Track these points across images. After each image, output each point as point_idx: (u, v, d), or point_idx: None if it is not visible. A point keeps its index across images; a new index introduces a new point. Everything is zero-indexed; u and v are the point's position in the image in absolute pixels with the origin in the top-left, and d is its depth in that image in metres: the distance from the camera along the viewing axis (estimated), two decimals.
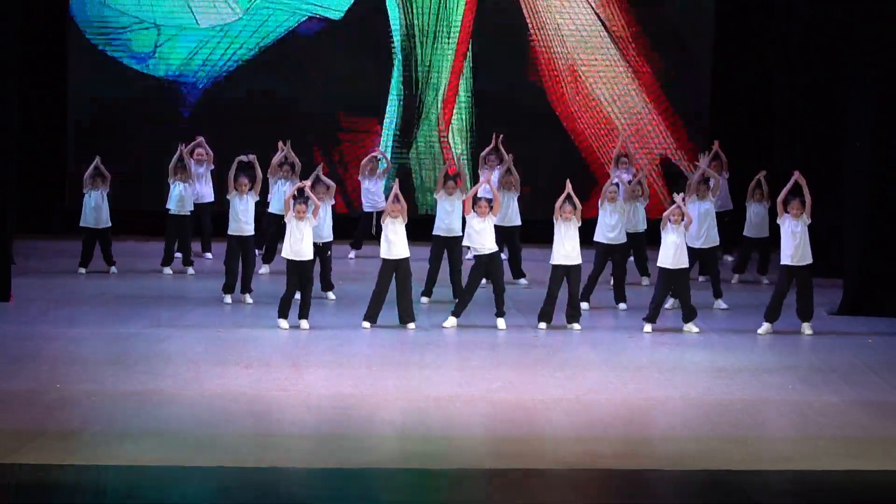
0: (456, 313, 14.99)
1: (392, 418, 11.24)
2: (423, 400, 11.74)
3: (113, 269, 17.74)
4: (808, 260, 14.91)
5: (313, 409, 11.38)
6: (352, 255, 19.23)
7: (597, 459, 10.09)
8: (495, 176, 17.72)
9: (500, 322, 14.89)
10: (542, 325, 14.92)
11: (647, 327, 14.81)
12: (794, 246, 14.83)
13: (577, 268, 14.96)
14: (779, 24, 19.66)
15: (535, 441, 10.59)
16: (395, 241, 14.64)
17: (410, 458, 10.06)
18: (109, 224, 17.65)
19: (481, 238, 14.89)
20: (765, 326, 14.94)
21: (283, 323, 14.53)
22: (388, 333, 14.58)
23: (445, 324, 14.86)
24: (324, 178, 16.11)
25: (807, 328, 14.99)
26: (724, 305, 16.38)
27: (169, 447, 10.05)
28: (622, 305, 16.24)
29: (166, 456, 9.84)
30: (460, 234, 15.94)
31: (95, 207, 17.56)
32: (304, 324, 14.54)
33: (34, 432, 10.27)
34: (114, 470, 9.50)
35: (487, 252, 14.93)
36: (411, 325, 14.68)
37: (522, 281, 17.56)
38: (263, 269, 17.62)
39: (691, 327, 14.91)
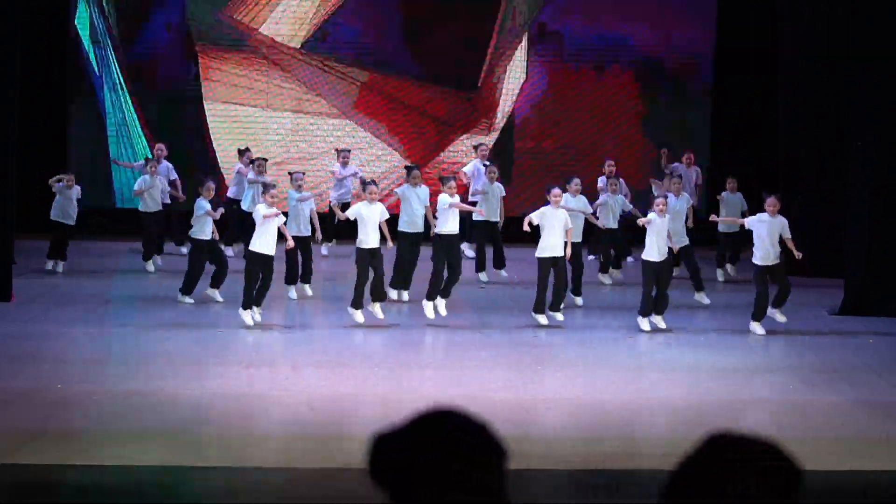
0: (430, 296, 14.90)
1: (392, 418, 11.18)
2: (423, 400, 11.68)
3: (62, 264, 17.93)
4: (778, 258, 14.84)
5: (313, 409, 11.37)
6: (325, 250, 19.24)
7: (597, 459, 10.09)
8: (478, 163, 18.23)
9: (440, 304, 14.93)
10: (540, 317, 14.86)
11: (645, 324, 14.73)
12: (771, 245, 14.73)
13: (563, 259, 14.86)
14: (782, 26, 19.66)
15: (535, 441, 10.59)
16: (371, 230, 14.56)
17: None
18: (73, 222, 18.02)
19: (448, 218, 14.88)
20: (760, 328, 14.89)
21: (250, 316, 14.51)
22: (388, 333, 14.58)
23: (427, 312, 14.83)
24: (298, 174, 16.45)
25: (778, 314, 14.95)
26: (706, 300, 16.40)
27: (169, 447, 10.05)
28: (579, 300, 16.19)
29: (166, 456, 9.84)
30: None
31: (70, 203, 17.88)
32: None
33: (34, 432, 10.27)
34: (114, 470, 9.50)
35: (452, 233, 14.95)
36: (378, 305, 14.64)
37: (503, 273, 17.72)
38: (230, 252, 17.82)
39: (660, 321, 14.83)
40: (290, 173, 16.82)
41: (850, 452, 10.40)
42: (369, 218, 14.54)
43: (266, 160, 18.70)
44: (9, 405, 11.07)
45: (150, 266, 18.06)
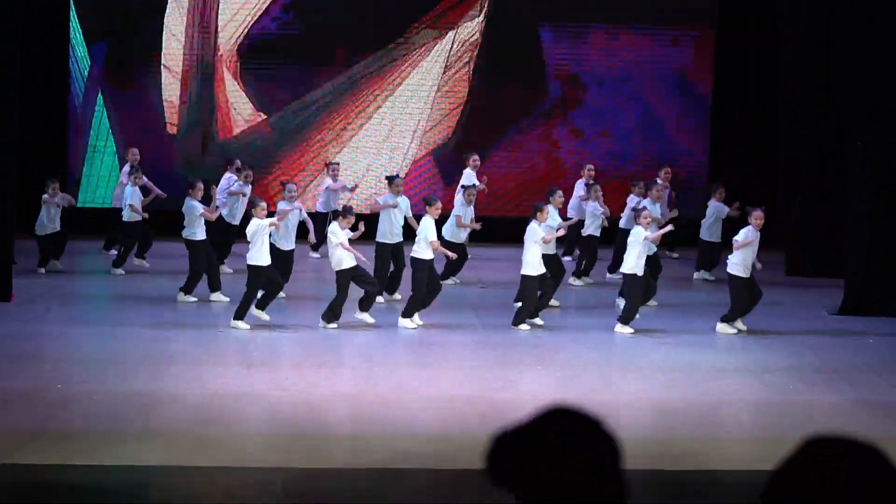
0: (408, 314, 14.88)
1: (392, 418, 11.24)
2: (422, 400, 11.74)
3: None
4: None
5: (313, 409, 11.38)
6: (316, 255, 19.24)
7: None
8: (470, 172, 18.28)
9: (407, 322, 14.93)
10: (523, 326, 14.87)
11: (627, 329, 14.73)
12: (752, 257, 14.74)
13: (546, 273, 14.95)
14: (782, 26, 19.65)
15: None
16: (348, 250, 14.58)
17: (410, 458, 10.06)
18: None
19: (427, 241, 14.91)
20: (731, 328, 14.87)
21: (243, 324, 14.56)
22: (387, 333, 14.59)
23: (406, 325, 14.82)
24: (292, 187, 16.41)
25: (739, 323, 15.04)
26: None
27: (169, 447, 10.06)
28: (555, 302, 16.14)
29: (166, 456, 9.84)
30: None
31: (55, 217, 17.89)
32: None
33: (35, 432, 10.27)
34: (114, 470, 9.51)
35: (431, 258, 14.96)
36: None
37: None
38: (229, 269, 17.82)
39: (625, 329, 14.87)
40: (283, 183, 16.79)
41: None
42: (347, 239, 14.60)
43: (251, 167, 18.77)
44: (9, 405, 11.08)
45: (120, 270, 17.96)
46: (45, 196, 17.84)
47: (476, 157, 19.34)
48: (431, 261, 15.02)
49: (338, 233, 14.53)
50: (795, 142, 19.09)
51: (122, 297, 16.35)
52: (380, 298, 16.05)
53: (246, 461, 9.83)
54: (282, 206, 15.93)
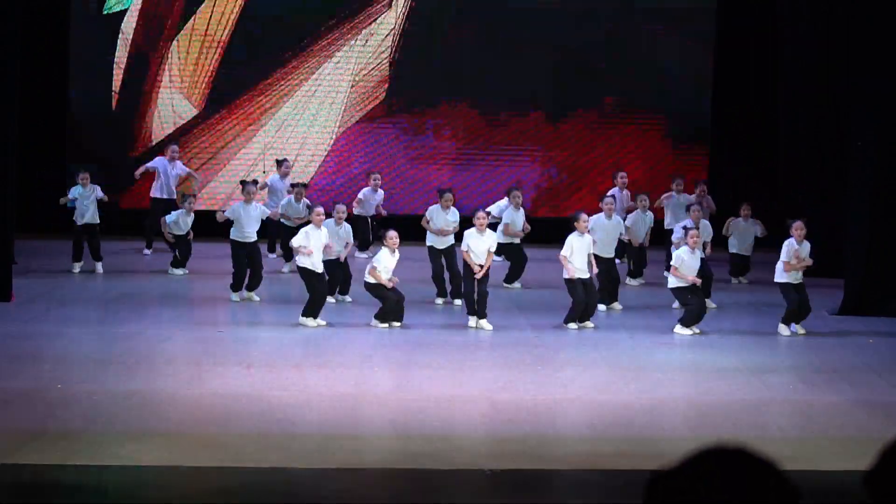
0: (480, 314, 15.03)
1: (392, 418, 11.23)
2: (423, 400, 11.73)
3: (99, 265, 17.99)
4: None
5: (313, 409, 11.37)
6: (365, 255, 19.34)
7: (597, 459, 10.08)
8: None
9: (484, 323, 14.93)
10: (571, 324, 15.01)
11: (687, 331, 14.86)
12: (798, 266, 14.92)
13: (590, 279, 15.07)
14: (782, 26, 19.65)
15: (535, 441, 10.58)
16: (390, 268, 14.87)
17: (410, 458, 10.05)
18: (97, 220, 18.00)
19: (479, 252, 14.93)
20: (787, 330, 14.96)
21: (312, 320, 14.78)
22: (388, 333, 14.59)
23: (476, 324, 14.94)
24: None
25: (800, 329, 15.07)
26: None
27: (169, 447, 10.05)
28: (617, 305, 16.27)
29: (166, 456, 9.84)
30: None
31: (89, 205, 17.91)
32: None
33: (35, 432, 10.26)
34: (114, 470, 9.50)
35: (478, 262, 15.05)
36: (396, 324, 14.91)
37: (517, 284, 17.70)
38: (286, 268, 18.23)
39: (692, 329, 14.91)
40: (335, 203, 16.95)
41: (850, 452, 10.39)
42: (386, 268, 14.81)
43: (306, 186, 18.96)
44: (9, 405, 11.07)
45: (179, 271, 18.14)
46: (77, 188, 17.96)
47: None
48: (481, 266, 15.02)
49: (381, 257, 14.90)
50: (795, 142, 19.10)
51: (123, 297, 16.34)
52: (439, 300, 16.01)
53: (246, 461, 9.82)
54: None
